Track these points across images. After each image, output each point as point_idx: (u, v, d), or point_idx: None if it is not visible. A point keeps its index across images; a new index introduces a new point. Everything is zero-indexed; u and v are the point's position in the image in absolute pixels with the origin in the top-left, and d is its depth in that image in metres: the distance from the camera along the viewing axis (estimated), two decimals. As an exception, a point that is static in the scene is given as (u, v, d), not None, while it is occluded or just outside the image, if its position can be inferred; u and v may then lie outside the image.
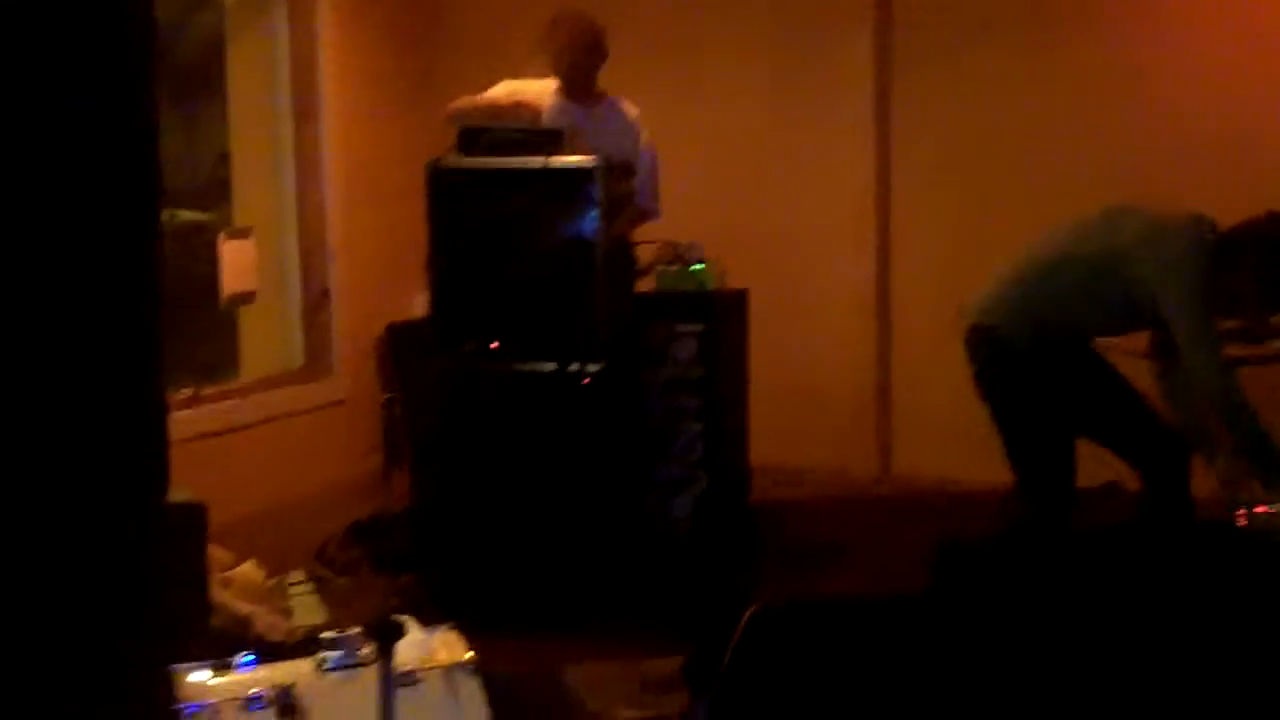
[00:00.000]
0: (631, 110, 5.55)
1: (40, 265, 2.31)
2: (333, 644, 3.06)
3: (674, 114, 6.03)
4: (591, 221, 4.88)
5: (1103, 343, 4.49)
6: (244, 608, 4.40)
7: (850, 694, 3.62)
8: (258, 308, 6.34)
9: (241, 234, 6.14)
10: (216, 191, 6.66)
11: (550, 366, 4.89)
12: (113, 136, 2.37)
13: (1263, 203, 4.22)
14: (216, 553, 4.47)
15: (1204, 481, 4.29)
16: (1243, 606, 3.42)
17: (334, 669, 3.05)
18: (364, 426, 6.15)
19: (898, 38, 6.86)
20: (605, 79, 5.53)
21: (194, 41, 6.70)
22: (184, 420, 5.60)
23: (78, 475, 2.36)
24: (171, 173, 6.38)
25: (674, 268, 5.48)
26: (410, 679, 2.97)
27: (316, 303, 6.77)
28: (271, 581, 4.79)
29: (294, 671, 3.07)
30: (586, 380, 4.84)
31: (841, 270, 6.99)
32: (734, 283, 5.61)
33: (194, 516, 3.92)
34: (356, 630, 3.03)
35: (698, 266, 5.45)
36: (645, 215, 5.50)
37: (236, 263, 5.98)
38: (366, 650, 2.98)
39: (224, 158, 6.74)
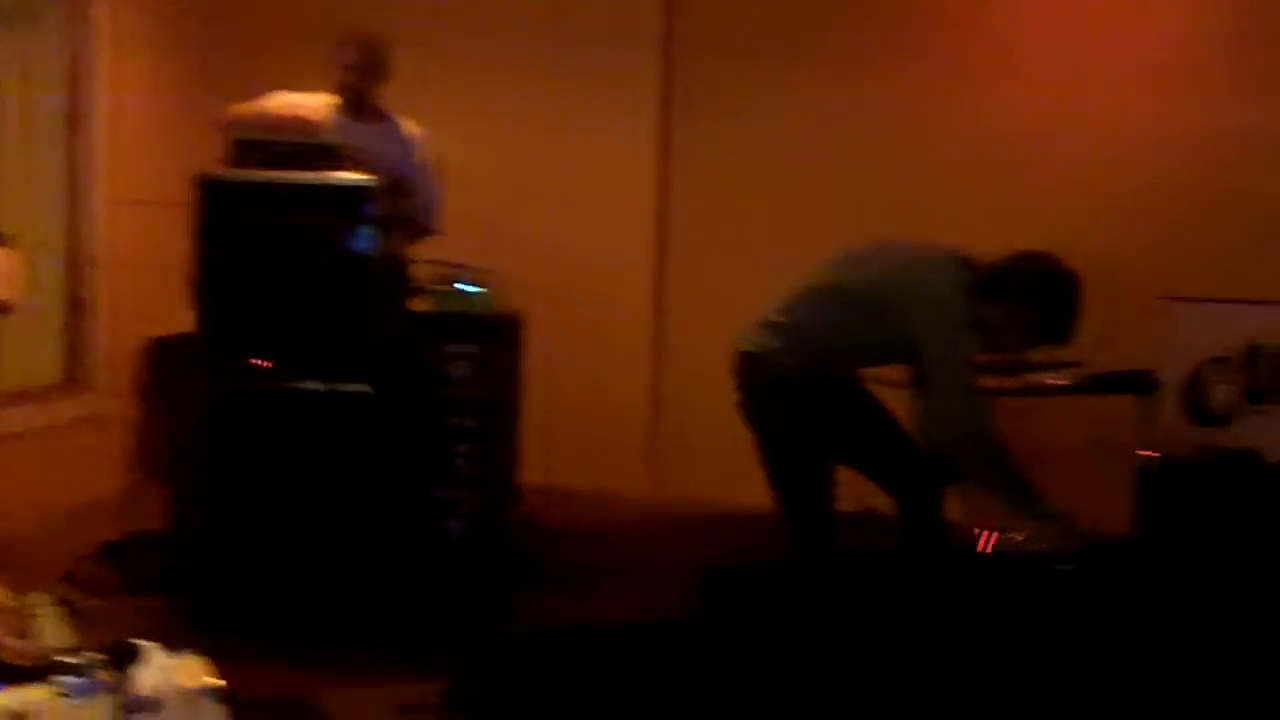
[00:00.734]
0: (412, 129, 5.52)
1: None
2: (71, 668, 2.96)
3: (457, 133, 6.00)
4: (367, 239, 4.81)
5: (865, 373, 4.60)
6: (-16, 629, 4.22)
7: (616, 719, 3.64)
8: (16, 318, 6.11)
9: (1, 242, 5.91)
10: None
11: (320, 386, 4.80)
12: None
13: (1024, 237, 4.38)
14: (-41, 572, 4.28)
15: (958, 509, 4.42)
16: (990, 628, 3.52)
17: (72, 694, 2.95)
18: (124, 443, 5.97)
19: (680, 61, 6.95)
20: (389, 96, 5.49)
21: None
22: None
23: None
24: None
25: (452, 288, 5.44)
26: (151, 704, 2.89)
27: (77, 315, 6.56)
28: (17, 602, 4.60)
29: (30, 696, 2.96)
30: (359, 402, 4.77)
31: (619, 293, 7.04)
32: (512, 304, 5.60)
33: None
34: (96, 655, 2.94)
35: (475, 288, 5.42)
36: (424, 233, 5.48)
37: (-6, 272, 5.76)
38: (106, 675, 2.89)
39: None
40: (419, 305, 5.38)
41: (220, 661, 3.20)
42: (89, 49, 6.57)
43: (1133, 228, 6.20)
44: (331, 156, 4.87)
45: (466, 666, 4.03)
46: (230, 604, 4.80)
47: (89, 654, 2.96)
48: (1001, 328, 4.26)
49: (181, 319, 5.57)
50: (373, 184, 4.80)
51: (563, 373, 6.61)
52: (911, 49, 6.56)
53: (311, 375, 4.82)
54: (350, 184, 4.80)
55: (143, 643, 2.71)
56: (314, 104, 5.38)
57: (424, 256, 5.42)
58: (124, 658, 2.58)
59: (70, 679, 2.95)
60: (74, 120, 6.57)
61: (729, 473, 5.92)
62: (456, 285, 5.42)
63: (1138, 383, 5.73)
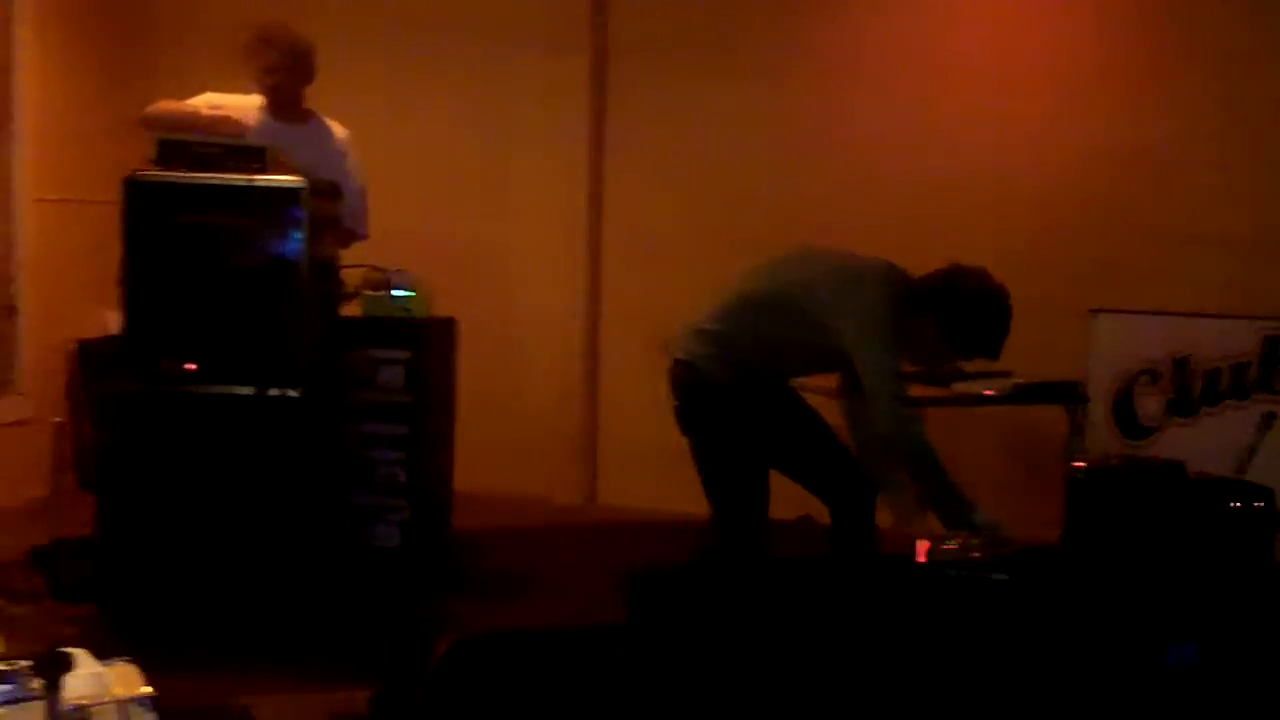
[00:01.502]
0: (340, 131, 5.47)
1: None
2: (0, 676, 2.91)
3: (385, 136, 5.98)
4: (295, 242, 4.77)
5: (796, 381, 4.63)
6: (-93, 638, 4.14)
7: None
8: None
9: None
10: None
11: (248, 390, 4.76)
12: None
13: (953, 249, 4.42)
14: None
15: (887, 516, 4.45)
16: (922, 637, 3.54)
17: (1, 703, 2.90)
18: (49, 447, 5.89)
19: (612, 65, 6.95)
20: (314, 97, 5.44)
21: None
22: None
23: None
24: None
25: (381, 293, 5.40)
26: (82, 713, 2.85)
27: (3, 318, 6.47)
28: (-61, 609, 4.54)
29: (-44, 706, 2.91)
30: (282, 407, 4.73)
31: (552, 299, 7.05)
32: (444, 309, 5.57)
33: None
34: (25, 662, 2.89)
35: (406, 293, 5.39)
36: (353, 237, 5.42)
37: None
38: (35, 683, 2.84)
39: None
40: (348, 310, 5.35)
41: (149, 669, 3.15)
42: (9, 49, 6.50)
43: (1061, 240, 6.28)
44: (259, 158, 4.82)
45: (395, 673, 4.00)
46: (157, 610, 4.75)
47: (17, 661, 2.90)
48: (929, 340, 4.30)
49: (108, 321, 5.51)
50: (300, 186, 4.76)
51: (495, 378, 6.60)
52: (845, 57, 6.61)
53: (239, 379, 4.77)
54: (278, 186, 4.76)
55: (73, 650, 2.67)
56: (241, 104, 5.33)
57: (353, 261, 5.38)
58: (54, 665, 2.54)
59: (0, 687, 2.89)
60: (-5, 121, 6.49)
61: (662, 480, 5.96)
62: (386, 290, 5.39)
63: (1066, 393, 5.80)
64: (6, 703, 2.89)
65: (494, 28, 6.99)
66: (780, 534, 4.55)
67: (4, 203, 6.51)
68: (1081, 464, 3.87)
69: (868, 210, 6.38)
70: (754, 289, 4.45)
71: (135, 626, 4.67)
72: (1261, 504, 3.67)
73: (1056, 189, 6.32)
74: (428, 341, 5.43)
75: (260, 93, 5.34)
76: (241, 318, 4.80)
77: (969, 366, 5.15)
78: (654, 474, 6.41)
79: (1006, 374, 5.50)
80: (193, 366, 4.76)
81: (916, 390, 5.28)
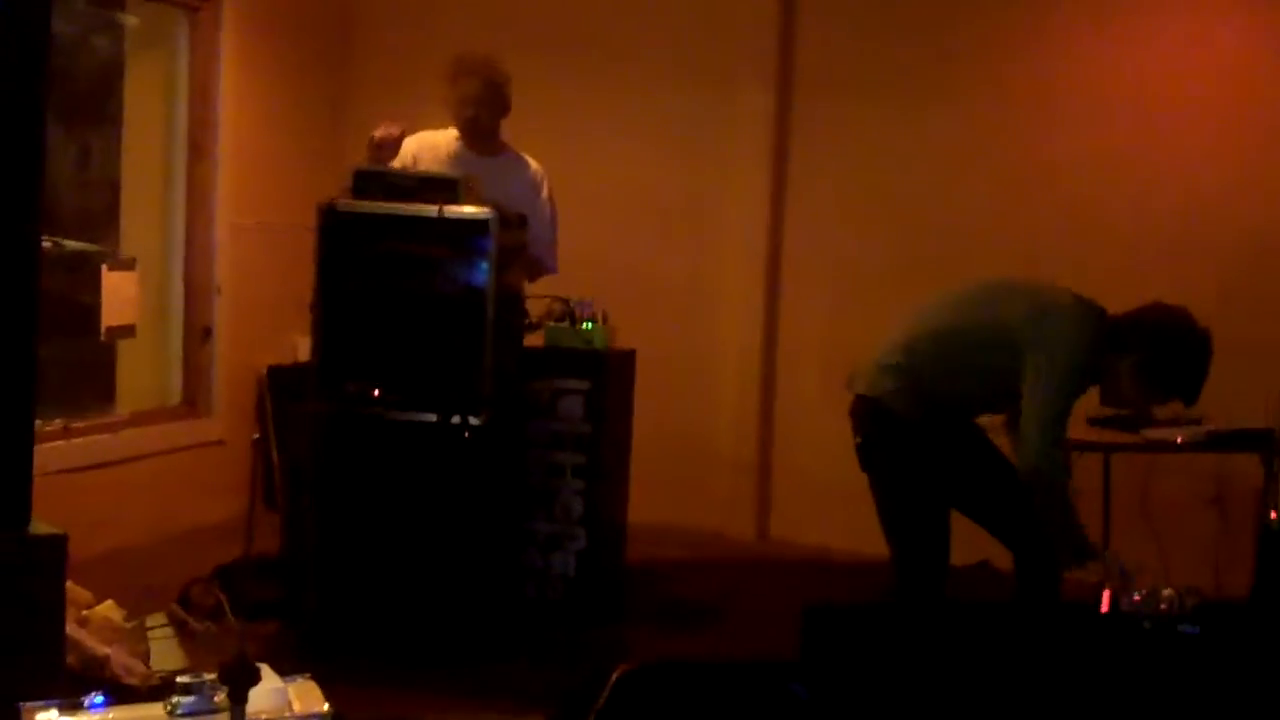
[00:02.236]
0: (533, 164, 5.54)
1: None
2: (185, 689, 2.97)
3: (573, 169, 6.03)
4: (483, 273, 4.84)
5: (981, 421, 4.54)
6: (100, 648, 4.27)
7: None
8: (138, 341, 6.22)
9: (125, 265, 6.03)
10: (105, 221, 6.54)
11: (432, 417, 4.83)
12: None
13: (1148, 288, 4.31)
14: (76, 590, 4.35)
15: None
16: (1103, 691, 3.45)
17: (186, 714, 2.96)
18: (240, 468, 6.04)
19: (796, 97, 6.92)
20: (507, 128, 5.52)
21: (92, 64, 6.58)
22: (53, 452, 5.48)
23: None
24: (61, 200, 6.27)
25: (564, 324, 5.46)
26: (264, 728, 2.89)
27: (198, 340, 6.67)
28: (131, 623, 4.67)
29: (144, 716, 2.97)
30: (468, 434, 4.78)
31: (729, 331, 7.03)
32: (623, 339, 5.60)
33: (54, 550, 3.81)
34: (210, 676, 2.95)
35: (588, 325, 5.43)
36: (541, 269, 5.48)
37: (118, 294, 5.87)
38: (220, 697, 2.89)
39: (114, 186, 6.63)
40: (533, 340, 5.41)
41: (329, 686, 3.20)
42: (214, 74, 6.67)
43: (1260, 281, 6.08)
44: (451, 189, 4.90)
45: (570, 699, 4.01)
46: (339, 629, 4.84)
47: (202, 675, 2.96)
48: (1125, 378, 4.20)
49: (297, 346, 5.64)
50: (489, 217, 4.83)
51: (671, 410, 6.60)
52: (1035, 89, 6.48)
53: (424, 406, 4.85)
54: (470, 217, 4.84)
55: (257, 665, 2.72)
56: (438, 137, 5.44)
57: (538, 292, 5.44)
58: (239, 679, 2.59)
59: (184, 699, 2.95)
60: (197, 147, 6.67)
61: (836, 517, 5.90)
62: (569, 321, 5.44)
63: (1262, 441, 5.59)
64: (192, 714, 2.95)
65: (683, 63, 7.02)
66: (958, 579, 4.46)
67: (205, 225, 6.67)
68: (1277, 515, 3.73)
69: (1056, 244, 6.25)
70: (946, 322, 4.36)
71: (317, 644, 4.77)
72: None
73: (1249, 237, 6.11)
74: (608, 372, 5.46)
75: (456, 124, 5.43)
76: (428, 345, 4.88)
77: (1161, 413, 5.01)
78: (828, 510, 6.35)
79: (1197, 420, 5.33)
80: (378, 392, 4.85)
81: (1107, 436, 5.16)
